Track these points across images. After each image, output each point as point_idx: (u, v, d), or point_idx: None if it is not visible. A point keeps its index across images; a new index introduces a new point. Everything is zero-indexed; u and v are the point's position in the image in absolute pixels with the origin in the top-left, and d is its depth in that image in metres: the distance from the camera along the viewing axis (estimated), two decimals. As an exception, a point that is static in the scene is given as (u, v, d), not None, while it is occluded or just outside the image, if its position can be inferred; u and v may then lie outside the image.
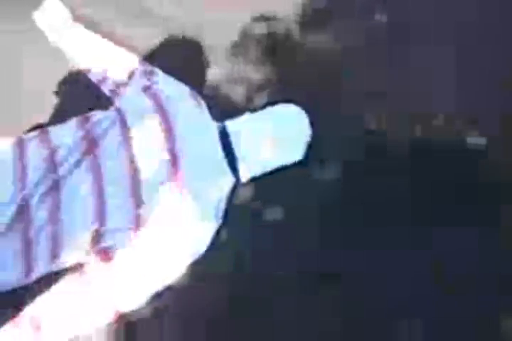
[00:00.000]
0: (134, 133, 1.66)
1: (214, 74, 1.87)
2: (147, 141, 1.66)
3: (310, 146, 1.68)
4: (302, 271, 1.61)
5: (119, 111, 1.72)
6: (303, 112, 1.72)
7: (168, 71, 1.77)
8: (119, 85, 1.77)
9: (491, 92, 1.73)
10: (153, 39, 1.93)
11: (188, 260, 1.59)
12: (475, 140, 1.70)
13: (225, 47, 1.92)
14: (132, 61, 1.79)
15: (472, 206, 1.64)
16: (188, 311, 1.52)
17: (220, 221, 1.62)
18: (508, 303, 1.48)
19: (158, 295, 1.42)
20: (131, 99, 1.74)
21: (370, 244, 1.65)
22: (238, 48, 1.96)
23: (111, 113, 1.71)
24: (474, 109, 1.68)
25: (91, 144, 1.65)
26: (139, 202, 1.60)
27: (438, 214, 1.72)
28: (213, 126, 1.71)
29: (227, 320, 1.51)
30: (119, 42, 1.83)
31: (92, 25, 1.81)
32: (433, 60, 1.85)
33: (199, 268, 1.52)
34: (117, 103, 1.75)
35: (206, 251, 1.50)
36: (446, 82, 1.80)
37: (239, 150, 1.68)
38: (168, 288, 1.43)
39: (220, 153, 1.66)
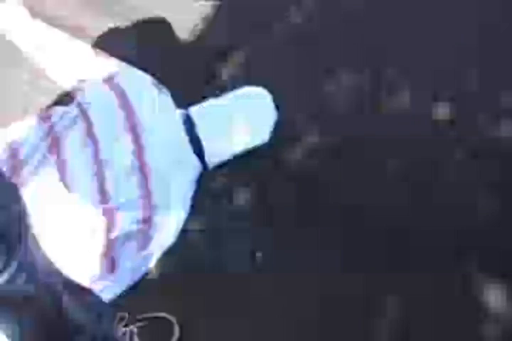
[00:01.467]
0: (97, 127, 1.62)
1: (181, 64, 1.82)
2: (111, 134, 1.62)
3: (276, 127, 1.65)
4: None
5: (80, 105, 1.68)
6: (268, 94, 1.69)
7: (134, 61, 1.74)
8: (78, 79, 1.74)
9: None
10: (119, 29, 1.88)
11: (159, 251, 1.55)
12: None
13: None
14: (91, 53, 1.76)
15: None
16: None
17: (188, 210, 1.58)
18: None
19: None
20: (92, 93, 1.70)
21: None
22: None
23: (72, 108, 1.68)
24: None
25: (54, 141, 1.62)
26: (105, 198, 1.56)
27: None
28: (177, 114, 1.68)
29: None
30: (82, 34, 1.81)
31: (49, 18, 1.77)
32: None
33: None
34: (78, 97, 1.71)
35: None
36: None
37: (204, 136, 1.64)
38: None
39: (184, 141, 1.63)
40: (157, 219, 1.55)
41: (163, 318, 1.48)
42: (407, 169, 1.59)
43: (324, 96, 1.73)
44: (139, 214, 1.53)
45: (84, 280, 1.28)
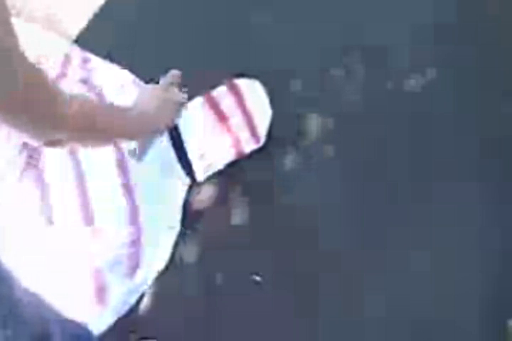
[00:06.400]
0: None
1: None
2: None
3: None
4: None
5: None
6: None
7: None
8: (53, 81, 1.61)
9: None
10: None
11: (153, 273, 1.45)
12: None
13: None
14: (68, 49, 1.64)
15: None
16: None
17: (179, 226, 1.48)
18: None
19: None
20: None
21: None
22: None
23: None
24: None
25: (32, 154, 1.51)
26: (89, 216, 1.46)
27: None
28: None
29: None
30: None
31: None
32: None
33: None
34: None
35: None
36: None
37: (190, 144, 1.52)
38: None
39: (168, 150, 1.51)
40: (146, 239, 1.44)
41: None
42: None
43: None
44: (127, 236, 1.42)
45: (71, 312, 1.17)
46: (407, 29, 1.60)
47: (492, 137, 1.48)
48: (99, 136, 1.11)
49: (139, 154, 1.39)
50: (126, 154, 1.48)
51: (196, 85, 1.52)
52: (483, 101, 1.51)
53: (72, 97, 0.95)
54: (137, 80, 1.59)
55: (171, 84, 1.41)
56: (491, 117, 1.49)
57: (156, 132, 1.37)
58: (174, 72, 1.42)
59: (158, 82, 1.42)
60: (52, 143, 0.94)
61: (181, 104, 1.43)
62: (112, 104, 1.44)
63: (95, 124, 1.02)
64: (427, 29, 1.60)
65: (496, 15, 1.59)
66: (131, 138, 1.28)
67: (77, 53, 1.64)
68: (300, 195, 1.49)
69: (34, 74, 0.80)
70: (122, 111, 1.23)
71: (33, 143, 0.93)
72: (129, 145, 1.41)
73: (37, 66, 0.82)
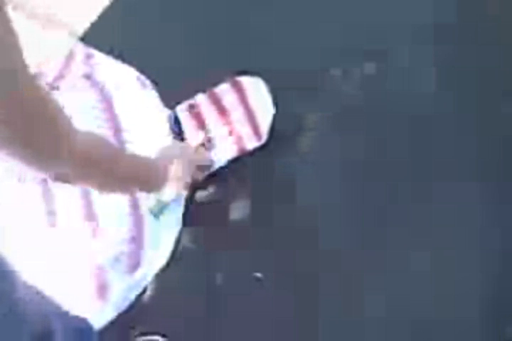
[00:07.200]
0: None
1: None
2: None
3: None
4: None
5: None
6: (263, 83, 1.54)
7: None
8: (57, 77, 1.60)
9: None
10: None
11: (152, 270, 1.45)
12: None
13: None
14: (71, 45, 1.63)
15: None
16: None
17: (180, 223, 1.48)
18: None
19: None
20: (71, 93, 1.58)
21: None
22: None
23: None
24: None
25: None
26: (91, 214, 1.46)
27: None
28: (163, 115, 1.55)
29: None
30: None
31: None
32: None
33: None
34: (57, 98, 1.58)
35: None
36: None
37: (193, 140, 1.52)
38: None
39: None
40: (147, 236, 1.44)
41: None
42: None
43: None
44: (128, 233, 1.42)
45: (72, 307, 1.17)
46: (407, 29, 1.60)
47: (492, 137, 1.48)
48: (115, 182, 1.09)
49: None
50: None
51: (197, 85, 1.53)
52: (483, 101, 1.50)
53: (85, 134, 0.92)
54: (142, 77, 1.59)
55: (202, 145, 1.42)
56: (491, 117, 1.49)
57: (174, 190, 1.37)
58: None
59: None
60: (59, 178, 0.92)
61: (206, 168, 1.45)
62: (134, 153, 1.42)
63: (99, 167, 1.00)
64: (427, 29, 1.60)
65: (496, 15, 1.59)
66: (148, 190, 1.26)
67: (81, 49, 1.64)
68: (300, 194, 1.49)
69: (33, 87, 0.79)
70: (145, 160, 1.22)
71: (41, 175, 0.91)
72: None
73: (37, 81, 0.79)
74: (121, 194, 1.29)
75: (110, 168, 1.03)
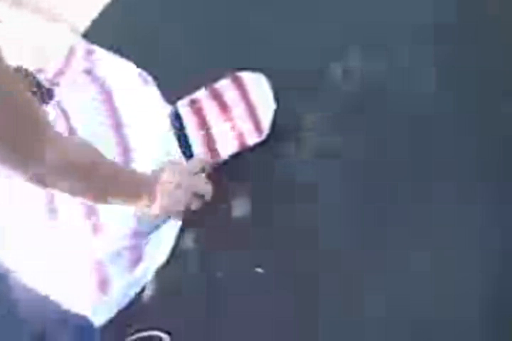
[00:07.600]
0: (80, 130, 1.51)
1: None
2: (94, 135, 1.49)
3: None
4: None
5: (59, 104, 1.55)
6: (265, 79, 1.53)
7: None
8: (57, 73, 1.60)
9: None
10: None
11: (153, 266, 1.45)
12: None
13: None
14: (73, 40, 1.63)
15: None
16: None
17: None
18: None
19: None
20: (72, 89, 1.58)
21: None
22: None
23: (51, 107, 1.56)
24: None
25: None
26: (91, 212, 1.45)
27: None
28: (164, 110, 1.55)
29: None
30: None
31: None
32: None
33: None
34: (57, 94, 1.59)
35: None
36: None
37: (194, 136, 1.52)
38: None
39: (172, 143, 1.51)
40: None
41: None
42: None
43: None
44: (130, 227, 1.42)
45: (73, 305, 1.17)
46: (407, 29, 1.60)
47: (492, 137, 1.47)
48: (89, 189, 1.10)
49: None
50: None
51: (198, 81, 1.53)
52: (483, 101, 1.50)
53: (67, 138, 0.93)
54: (143, 73, 1.59)
55: (202, 170, 1.40)
56: (491, 117, 1.49)
57: (166, 213, 1.36)
58: (202, 159, 1.42)
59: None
60: (33, 178, 0.92)
61: (202, 196, 1.41)
62: (119, 164, 1.41)
63: (76, 171, 1.00)
64: (427, 29, 1.60)
65: (496, 15, 1.59)
66: (130, 203, 1.26)
67: (82, 45, 1.64)
68: (300, 194, 1.49)
69: (13, 79, 0.79)
70: (130, 173, 1.22)
71: (18, 175, 0.92)
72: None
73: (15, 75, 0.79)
74: (95, 202, 1.27)
75: (88, 175, 1.04)
